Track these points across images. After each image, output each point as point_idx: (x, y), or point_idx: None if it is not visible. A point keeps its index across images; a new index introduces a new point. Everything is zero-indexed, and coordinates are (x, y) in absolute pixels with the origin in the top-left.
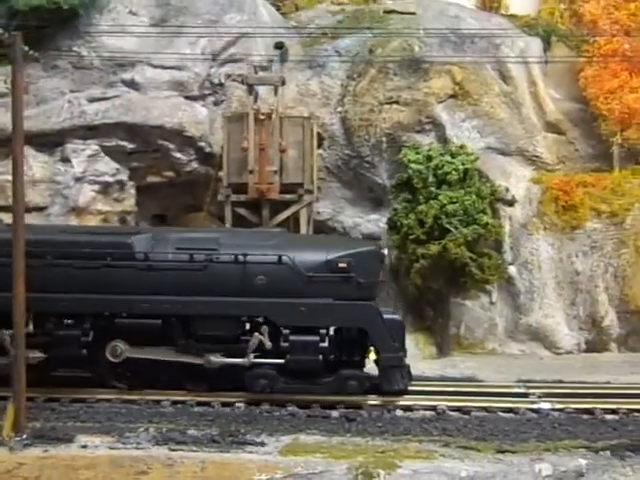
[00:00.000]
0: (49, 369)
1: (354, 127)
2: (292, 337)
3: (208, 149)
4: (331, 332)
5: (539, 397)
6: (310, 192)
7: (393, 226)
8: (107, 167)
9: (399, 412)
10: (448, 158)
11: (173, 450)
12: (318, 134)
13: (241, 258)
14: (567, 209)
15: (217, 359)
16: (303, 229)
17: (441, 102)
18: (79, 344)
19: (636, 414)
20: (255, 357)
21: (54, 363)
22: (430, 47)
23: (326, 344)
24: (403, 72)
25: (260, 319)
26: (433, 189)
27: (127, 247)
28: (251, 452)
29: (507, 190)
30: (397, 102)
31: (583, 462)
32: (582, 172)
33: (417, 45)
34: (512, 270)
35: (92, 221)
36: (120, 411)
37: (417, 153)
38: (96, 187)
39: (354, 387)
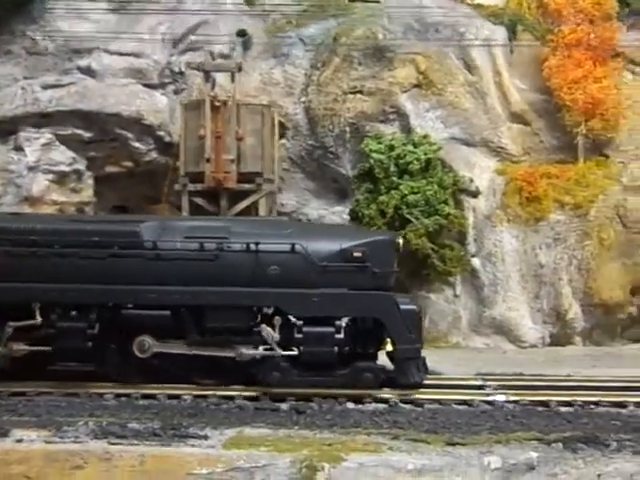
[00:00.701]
0: (53, 362)
1: (318, 117)
2: (306, 328)
3: (168, 138)
4: (344, 323)
5: (495, 390)
6: (270, 181)
7: (355, 217)
8: (63, 156)
9: (350, 404)
10: (410, 148)
11: (112, 444)
12: (281, 124)
13: (253, 247)
14: (531, 201)
15: (249, 351)
16: None
17: (405, 92)
18: (85, 336)
19: (591, 406)
20: (265, 349)
21: (58, 356)
22: (394, 35)
23: (341, 335)
24: (367, 61)
25: (272, 310)
26: (395, 179)
27: (135, 235)
28: (193, 445)
29: (471, 181)
30: (361, 92)
31: (534, 455)
32: (547, 163)
33: (381, 33)
34: (476, 262)
35: (47, 211)
36: (60, 404)
37: (379, 143)
38: (51, 177)
39: (370, 380)
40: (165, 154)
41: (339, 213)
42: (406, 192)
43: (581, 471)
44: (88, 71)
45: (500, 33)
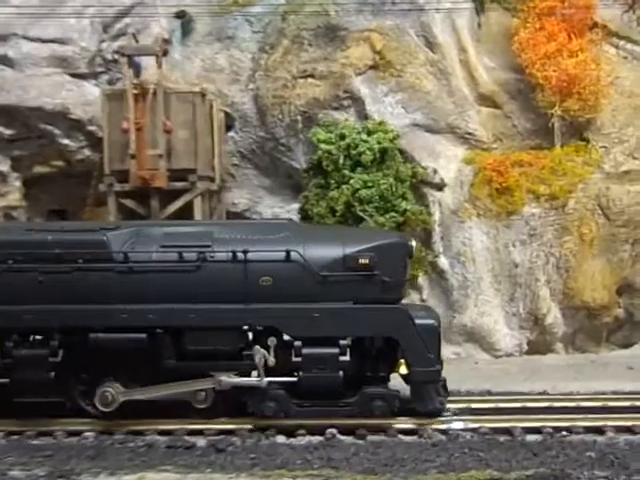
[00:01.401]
0: (13, 395)
1: (267, 106)
2: (305, 350)
3: (101, 134)
4: (349, 342)
5: (454, 414)
6: (208, 179)
7: (305, 216)
8: None
9: (280, 438)
10: (364, 136)
11: None
12: (227, 114)
13: (241, 256)
14: (502, 192)
15: (230, 379)
16: None
17: (360, 74)
18: (47, 366)
19: (564, 433)
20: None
21: (16, 389)
22: (347, 11)
23: (347, 357)
24: (319, 42)
25: (263, 328)
26: (347, 172)
27: (101, 246)
28: None
29: (435, 172)
30: (312, 75)
31: None
32: (521, 150)
33: (333, 9)
34: (443, 263)
35: None
36: None
37: (329, 132)
38: None
39: (381, 408)
40: (99, 151)
41: (295, 211)
42: (358, 186)
43: None
44: (5, 60)
45: (465, 5)
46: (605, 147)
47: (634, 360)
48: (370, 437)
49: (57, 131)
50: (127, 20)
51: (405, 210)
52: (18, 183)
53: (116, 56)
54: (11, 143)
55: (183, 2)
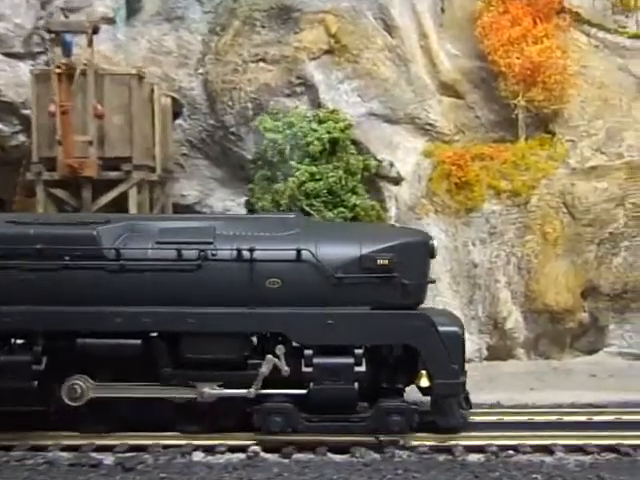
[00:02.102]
0: None
1: (216, 91)
2: (317, 359)
3: None
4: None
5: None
6: (147, 169)
7: (250, 210)
8: None
9: (198, 455)
10: (314, 125)
11: None
12: (174, 100)
13: (246, 254)
14: (461, 187)
15: (213, 390)
16: None
17: (314, 59)
18: (29, 374)
19: (509, 452)
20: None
21: None
22: None
23: (362, 368)
24: (272, 23)
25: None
26: (294, 163)
27: (91, 241)
28: None
29: (391, 165)
30: (264, 60)
31: None
32: (484, 143)
33: None
34: None
35: None
36: None
37: (276, 120)
38: None
39: (399, 423)
40: None
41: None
42: (304, 179)
43: None
44: None
45: None
46: (572, 141)
47: (598, 367)
48: (296, 455)
49: None
50: None
51: (355, 205)
52: None
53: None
54: None
55: None
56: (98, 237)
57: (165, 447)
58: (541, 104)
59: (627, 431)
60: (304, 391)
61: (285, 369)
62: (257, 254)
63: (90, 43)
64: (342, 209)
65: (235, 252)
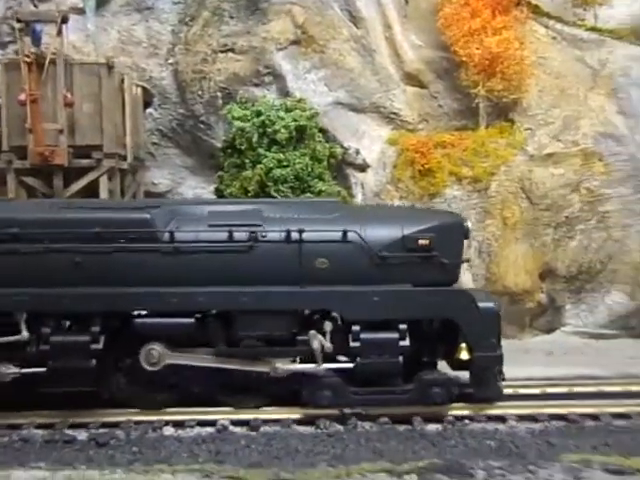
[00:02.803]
0: (47, 386)
1: (186, 81)
2: (364, 335)
3: None
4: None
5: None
6: (119, 157)
7: (220, 197)
8: None
9: (168, 430)
10: (281, 114)
11: None
12: (144, 89)
13: (296, 236)
14: (424, 174)
15: (285, 366)
16: None
17: (281, 49)
18: (87, 353)
19: (465, 422)
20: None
21: (53, 378)
22: None
23: (406, 342)
24: (240, 14)
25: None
26: (262, 151)
27: (146, 225)
28: None
29: (357, 153)
30: (233, 50)
31: None
32: (447, 131)
33: None
34: None
35: None
36: None
37: (245, 108)
38: None
39: (440, 395)
40: None
41: None
42: (272, 165)
43: None
44: None
45: None
46: (530, 129)
47: (555, 345)
48: (263, 428)
49: None
50: None
51: (321, 191)
52: None
53: None
54: None
55: None
56: (152, 221)
57: (137, 423)
58: (500, 93)
59: (577, 401)
60: (351, 365)
61: (328, 345)
62: (306, 236)
63: (59, 32)
64: (309, 194)
65: (284, 234)
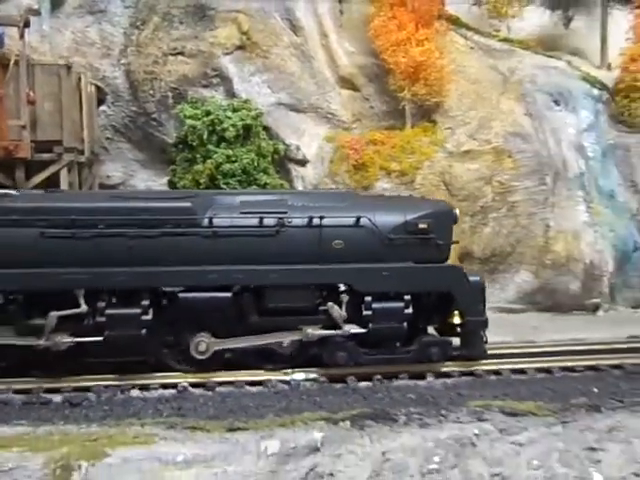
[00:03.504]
0: (102, 354)
1: (138, 81)
2: (375, 304)
3: None
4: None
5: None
6: (76, 151)
7: (173, 188)
8: None
9: (134, 392)
10: (229, 113)
11: None
12: (98, 88)
13: (316, 221)
14: (358, 168)
15: (316, 331)
16: None
17: (228, 54)
18: (138, 324)
19: (392, 380)
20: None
21: (108, 347)
22: None
23: (410, 310)
24: (189, 20)
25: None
26: (211, 147)
27: (188, 212)
28: None
29: (298, 149)
30: (182, 53)
31: (318, 435)
32: (377, 130)
33: None
34: None
35: None
36: None
37: (195, 108)
38: None
39: (437, 354)
40: None
41: (167, 185)
42: (221, 160)
43: (366, 449)
44: None
45: None
46: (450, 128)
47: None
48: (219, 389)
49: None
50: None
51: (266, 183)
52: None
53: None
54: None
55: None
56: (193, 208)
57: (106, 387)
58: (424, 97)
59: (484, 360)
60: (364, 330)
61: (343, 314)
62: (325, 221)
63: (22, 36)
64: (255, 187)
65: (307, 219)
